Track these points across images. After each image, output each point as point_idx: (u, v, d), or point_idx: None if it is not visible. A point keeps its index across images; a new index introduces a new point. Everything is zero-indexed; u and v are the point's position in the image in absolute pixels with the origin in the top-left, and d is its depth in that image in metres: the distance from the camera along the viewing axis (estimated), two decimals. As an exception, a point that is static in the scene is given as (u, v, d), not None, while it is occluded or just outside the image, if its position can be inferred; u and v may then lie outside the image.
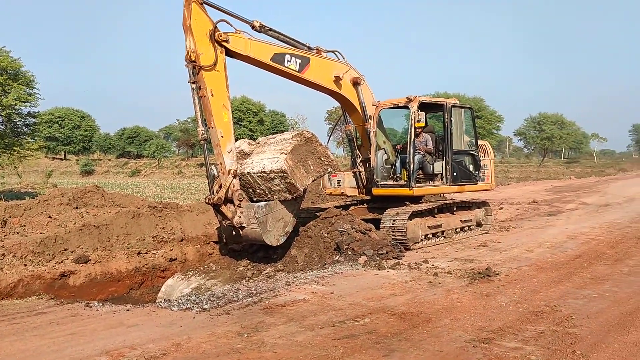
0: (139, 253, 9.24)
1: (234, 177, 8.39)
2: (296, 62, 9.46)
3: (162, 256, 9.48)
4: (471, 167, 11.60)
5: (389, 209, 10.43)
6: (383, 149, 11.18)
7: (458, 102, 11.59)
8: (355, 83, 10.55)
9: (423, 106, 10.82)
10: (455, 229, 11.40)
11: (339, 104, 11.24)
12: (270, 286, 7.21)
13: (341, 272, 7.92)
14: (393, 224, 9.99)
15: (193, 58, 8.11)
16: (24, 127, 27.22)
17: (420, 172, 10.97)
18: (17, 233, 9.19)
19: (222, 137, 8.32)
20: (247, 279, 8.50)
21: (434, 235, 10.77)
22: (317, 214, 10.28)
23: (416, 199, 11.11)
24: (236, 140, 9.05)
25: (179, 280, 8.95)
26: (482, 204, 12.44)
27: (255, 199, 8.84)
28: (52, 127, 78.84)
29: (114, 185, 41.29)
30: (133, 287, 8.92)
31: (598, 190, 25.86)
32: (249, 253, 9.75)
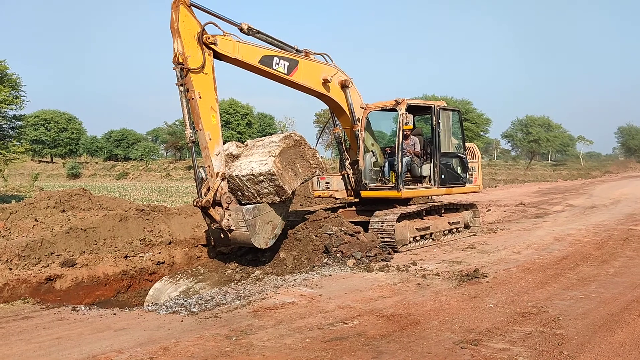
0: (126, 256, 9.17)
1: (222, 179, 8.37)
2: (284, 64, 9.46)
3: (149, 259, 9.42)
4: (459, 170, 11.67)
5: (377, 212, 10.45)
6: (371, 151, 11.21)
7: (446, 105, 11.65)
8: (344, 86, 10.57)
9: (411, 109, 10.87)
10: (444, 231, 11.45)
11: (328, 107, 11.26)
12: (258, 289, 7.19)
13: (330, 275, 7.92)
14: (381, 226, 10.01)
15: (181, 60, 8.09)
16: (9, 130, 27.01)
17: (409, 175, 11.02)
18: (3, 237, 9.10)
19: (210, 139, 8.30)
20: (235, 282, 8.48)
21: (422, 237, 10.81)
22: (306, 216, 10.28)
23: (404, 202, 11.14)
24: (224, 142, 9.03)
25: (166, 284, 8.90)
26: (470, 206, 12.52)
27: (243, 202, 8.82)
28: (39, 129, 78.20)
29: (101, 188, 40.99)
30: (120, 290, 8.84)
31: (584, 193, 26.12)
32: (238, 256, 9.73)
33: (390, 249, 9.75)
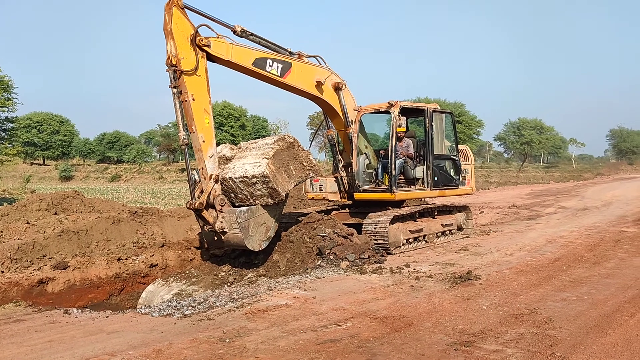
0: (119, 259, 9.14)
1: (216, 182, 8.36)
2: (278, 67, 9.47)
3: (142, 262, 9.39)
4: (452, 172, 11.70)
5: (370, 214, 10.46)
6: (365, 153, 11.23)
7: (439, 107, 11.69)
8: (337, 88, 10.59)
9: (404, 111, 10.89)
10: (437, 233, 11.48)
11: (321, 109, 11.27)
12: (252, 291, 7.18)
13: (323, 277, 7.92)
14: (375, 228, 10.02)
15: (174, 62, 8.07)
16: (1, 132, 26.88)
17: (402, 177, 11.05)
18: (-6, 239, 9.03)
19: (203, 141, 8.28)
20: (229, 284, 8.46)
21: (415, 239, 10.83)
22: (299, 218, 10.27)
23: (398, 204, 11.16)
24: (218, 145, 9.01)
25: (159, 286, 8.88)
26: (463, 208, 12.56)
27: (237, 204, 8.81)
28: (31, 132, 77.79)
29: (94, 191, 40.83)
30: (113, 293, 8.81)
31: (576, 195, 26.24)
32: (231, 258, 9.71)
33: (384, 251, 9.77)
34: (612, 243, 10.99)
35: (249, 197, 8.62)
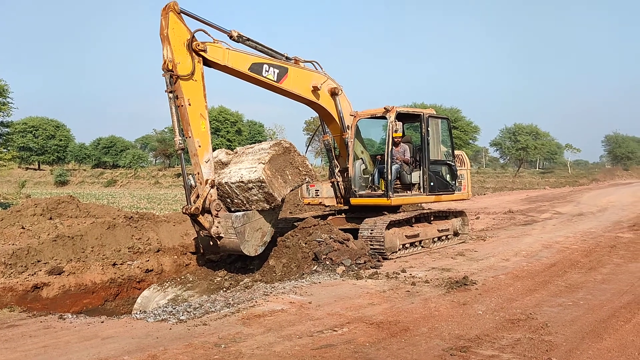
0: (114, 264, 9.10)
1: (212, 187, 8.35)
2: (274, 72, 9.48)
3: (138, 267, 9.35)
4: (448, 177, 11.72)
5: (367, 219, 10.46)
6: (361, 158, 11.24)
7: (435, 113, 11.72)
8: (333, 93, 10.60)
9: (400, 116, 10.92)
10: (433, 238, 11.48)
11: (317, 114, 11.28)
12: (247, 296, 7.16)
13: (319, 282, 7.90)
14: (371, 233, 10.02)
15: (170, 67, 8.07)
16: (-4, 137, 26.78)
17: (398, 182, 11.05)
18: (-11, 244, 9.00)
19: (199, 146, 8.28)
20: (224, 289, 8.44)
21: (411, 244, 10.83)
22: (295, 224, 10.27)
23: (394, 209, 11.17)
24: (214, 150, 9.01)
25: (155, 292, 8.84)
26: (459, 214, 12.57)
27: (233, 209, 8.80)
28: (26, 136, 77.71)
29: (89, 196, 40.73)
30: (108, 298, 8.77)
31: (572, 200, 26.30)
32: (227, 263, 9.69)
33: (380, 257, 9.76)
34: (607, 248, 11.01)
35: (245, 202, 8.61)
